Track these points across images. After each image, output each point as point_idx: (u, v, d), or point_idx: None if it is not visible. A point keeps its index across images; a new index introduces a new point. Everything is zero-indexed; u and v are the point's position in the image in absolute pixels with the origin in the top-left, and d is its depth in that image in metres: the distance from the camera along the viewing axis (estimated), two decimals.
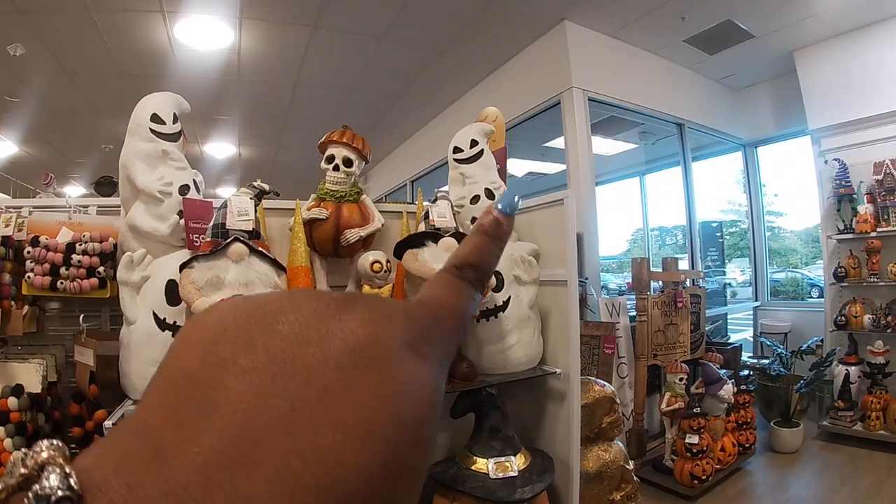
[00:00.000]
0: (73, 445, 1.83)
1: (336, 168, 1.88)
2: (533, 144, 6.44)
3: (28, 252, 1.72)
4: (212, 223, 1.67)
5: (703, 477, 3.09)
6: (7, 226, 1.76)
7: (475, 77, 5.78)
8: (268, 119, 6.69)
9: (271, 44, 4.68)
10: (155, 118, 1.81)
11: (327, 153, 1.91)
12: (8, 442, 1.64)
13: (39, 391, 1.71)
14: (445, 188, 2.14)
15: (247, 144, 7.78)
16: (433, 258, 1.74)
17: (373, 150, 1.99)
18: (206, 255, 1.58)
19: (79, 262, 1.72)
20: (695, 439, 3.13)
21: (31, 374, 1.72)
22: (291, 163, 8.22)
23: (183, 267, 1.57)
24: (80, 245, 1.73)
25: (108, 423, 1.52)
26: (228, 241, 1.59)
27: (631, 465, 2.49)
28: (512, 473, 1.88)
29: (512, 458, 1.91)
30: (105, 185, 2.03)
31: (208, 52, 4.75)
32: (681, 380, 3.42)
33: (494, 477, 1.86)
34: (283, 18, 4.30)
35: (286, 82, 5.41)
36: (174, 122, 1.84)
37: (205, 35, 4.56)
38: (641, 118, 5.45)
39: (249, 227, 1.67)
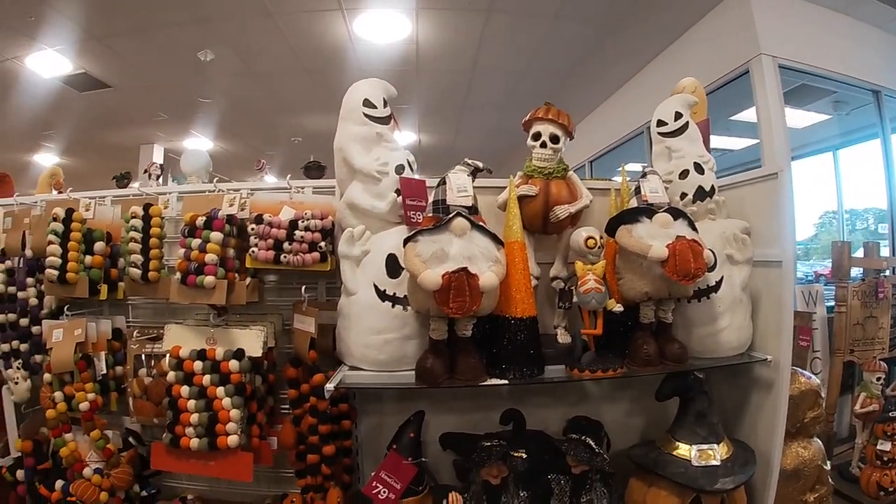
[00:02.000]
0: (286, 406, 1.97)
1: (543, 145, 1.87)
2: (717, 118, 5.85)
3: (252, 229, 1.85)
4: (432, 199, 1.73)
5: (892, 489, 2.85)
6: (231, 205, 1.91)
7: (652, 51, 5.41)
8: (446, 106, 6.74)
9: (448, 32, 4.77)
10: (367, 103, 1.89)
11: (533, 130, 1.91)
12: (227, 401, 1.76)
13: (259, 355, 1.84)
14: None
15: (426, 131, 7.85)
16: (648, 234, 1.70)
17: None
18: (429, 229, 1.62)
19: (301, 237, 1.82)
20: (887, 446, 2.87)
21: (252, 340, 1.84)
22: (471, 147, 8.06)
23: (407, 241, 1.63)
24: (303, 222, 1.84)
25: (329, 386, 1.60)
26: (451, 216, 1.62)
27: (828, 466, 2.34)
28: (714, 462, 1.80)
29: (715, 446, 1.83)
30: (314, 170, 2.17)
31: (387, 45, 4.93)
32: (878, 379, 3.16)
33: (697, 464, 1.79)
34: (458, 5, 4.38)
35: (463, 68, 5.49)
36: (384, 107, 1.92)
37: (383, 28, 4.73)
38: (834, 85, 4.80)
39: (469, 202, 1.69)
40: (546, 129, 1.89)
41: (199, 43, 4.74)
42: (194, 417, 1.77)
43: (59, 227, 1.94)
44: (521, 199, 1.84)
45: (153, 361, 2.02)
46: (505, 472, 1.83)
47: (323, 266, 1.85)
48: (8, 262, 2.10)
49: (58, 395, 1.92)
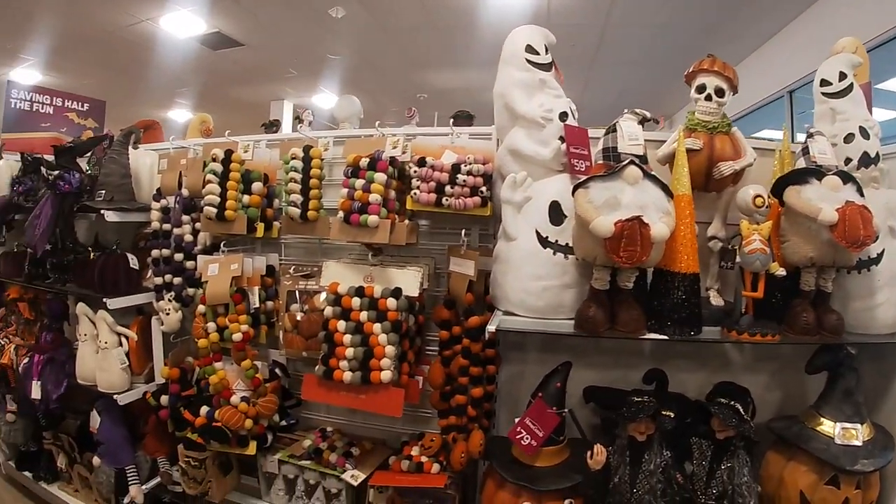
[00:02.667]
0: (431, 347, 2.03)
1: (708, 98, 1.82)
2: None
3: (414, 171, 1.89)
4: (601, 147, 1.73)
5: None
6: (394, 147, 1.96)
7: (798, 6, 4.91)
8: (574, 62, 6.32)
9: None
10: (529, 49, 1.90)
11: (697, 82, 1.86)
12: (383, 337, 1.81)
13: (416, 295, 1.88)
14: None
15: None
16: (818, 196, 1.66)
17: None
18: (601, 176, 1.61)
19: (463, 181, 1.86)
20: None
21: (409, 280, 1.88)
22: (599, 106, 7.62)
23: (578, 187, 1.64)
24: (465, 166, 1.86)
25: (490, 328, 1.63)
26: (624, 163, 1.62)
27: None
28: (856, 442, 1.74)
29: (859, 426, 1.77)
30: (462, 118, 2.21)
31: (517, 1, 4.87)
32: None
33: (839, 442, 1.74)
34: None
35: (595, 23, 5.27)
36: (546, 53, 1.95)
37: None
38: None
39: (640, 151, 1.65)
40: (711, 82, 1.85)
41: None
42: (349, 352, 1.83)
43: (218, 167, 2.01)
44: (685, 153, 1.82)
45: (305, 297, 2.10)
46: (652, 429, 1.83)
47: (482, 211, 1.87)
48: (163, 201, 2.20)
49: (211, 325, 2.01)
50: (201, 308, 2.02)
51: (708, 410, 1.85)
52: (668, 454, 1.86)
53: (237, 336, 1.99)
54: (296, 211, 1.95)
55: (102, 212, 2.10)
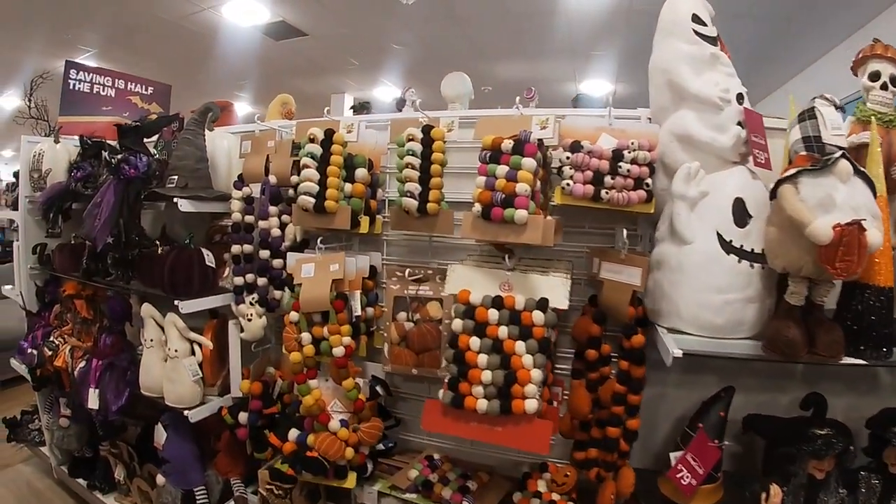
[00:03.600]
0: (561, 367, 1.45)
1: (884, 86, 1.31)
2: None
3: (567, 157, 1.32)
4: (801, 135, 1.18)
5: None
6: (544, 128, 1.36)
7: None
8: (650, 51, 5.43)
9: None
10: (695, 18, 1.35)
11: (870, 69, 1.34)
12: (528, 359, 1.24)
13: (564, 307, 1.30)
14: None
15: (625, 81, 6.23)
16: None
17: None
18: (811, 170, 1.10)
19: (627, 171, 1.29)
20: None
21: (555, 288, 1.31)
22: None
23: (783, 182, 1.10)
24: (629, 153, 1.29)
25: (676, 352, 1.11)
26: (835, 156, 1.09)
27: None
28: None
29: None
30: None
31: None
32: None
33: None
34: None
35: None
36: (711, 25, 1.38)
37: None
38: None
39: (844, 143, 1.17)
40: (885, 69, 1.33)
41: None
42: (486, 375, 1.27)
43: (316, 149, 1.43)
44: (859, 149, 1.28)
45: (416, 305, 1.49)
46: (832, 465, 1.30)
47: (646, 208, 1.33)
48: (246, 189, 1.60)
49: (305, 336, 1.43)
50: (293, 316, 1.43)
51: (882, 440, 1.33)
52: (844, 492, 1.34)
53: (339, 351, 1.41)
54: (413, 203, 1.37)
55: (175, 200, 1.51)
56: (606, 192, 1.29)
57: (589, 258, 1.45)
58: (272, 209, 1.57)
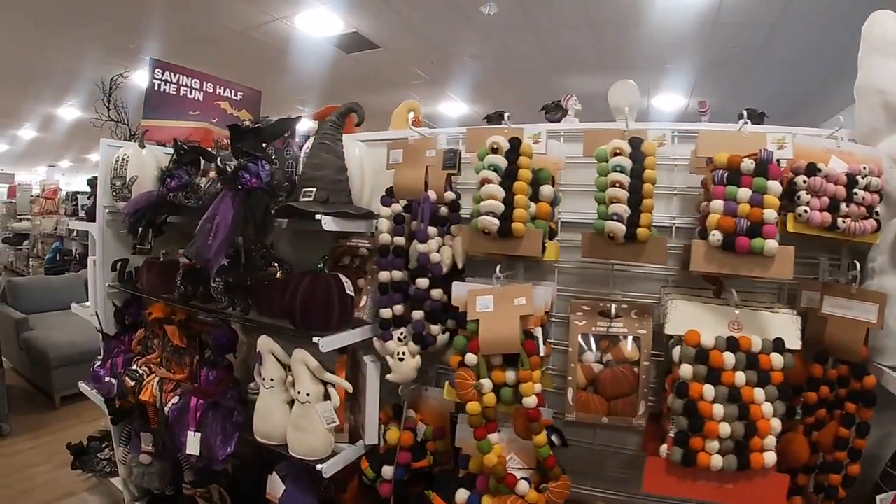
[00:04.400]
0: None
1: None
2: None
3: (803, 181, 1.14)
4: None
5: None
6: (781, 147, 1.17)
7: None
8: (729, 64, 4.80)
9: None
10: None
11: None
12: (767, 407, 1.04)
13: (798, 348, 1.09)
14: None
15: (700, 95, 5.71)
16: None
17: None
18: None
19: (862, 198, 1.12)
20: None
21: (786, 327, 1.08)
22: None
23: None
24: (862, 178, 1.12)
25: None
26: None
27: None
28: None
29: None
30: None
31: None
32: None
33: None
34: None
35: (765, 22, 3.91)
36: None
37: None
38: None
39: None
40: None
41: None
42: (724, 428, 1.04)
43: (500, 161, 1.20)
44: None
45: (606, 343, 1.28)
46: None
47: (873, 238, 1.13)
48: (395, 206, 1.35)
49: (486, 383, 1.17)
50: (471, 358, 1.18)
51: None
52: None
53: (531, 401, 1.15)
54: (620, 228, 1.14)
55: (319, 218, 1.24)
56: (843, 221, 1.10)
57: (799, 291, 1.28)
58: (431, 230, 1.29)
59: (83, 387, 1.96)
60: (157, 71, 1.91)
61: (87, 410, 3.18)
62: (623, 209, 1.15)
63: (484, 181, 1.20)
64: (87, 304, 2.01)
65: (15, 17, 3.96)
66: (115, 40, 4.32)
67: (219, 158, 1.43)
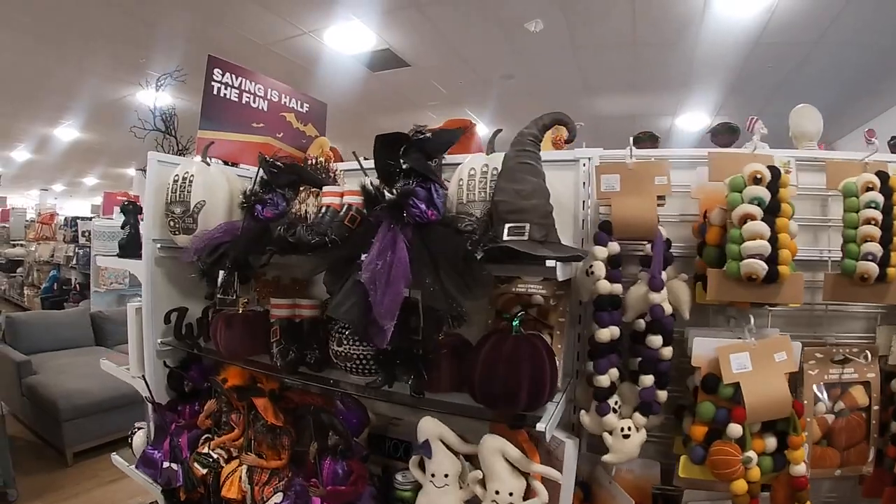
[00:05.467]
0: None
1: None
2: None
3: None
4: None
5: None
6: None
7: None
8: (762, 81, 4.53)
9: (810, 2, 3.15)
10: None
11: None
12: None
13: None
14: None
15: (724, 115, 5.38)
16: None
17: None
18: None
19: None
20: None
21: None
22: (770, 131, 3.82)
23: None
24: None
25: None
26: None
27: None
28: None
29: None
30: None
31: (742, 18, 3.39)
32: None
33: None
34: None
35: (807, 41, 3.76)
36: None
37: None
38: None
39: None
40: None
41: (532, 11, 3.26)
42: None
43: (763, 193, 0.92)
44: None
45: (837, 391, 1.05)
46: None
47: None
48: (612, 245, 1.02)
49: (752, 456, 0.90)
50: (735, 430, 0.91)
51: None
52: None
53: (800, 469, 0.91)
54: (874, 269, 0.93)
55: (551, 264, 0.93)
56: None
57: None
58: (666, 273, 1.00)
59: (132, 470, 1.39)
60: (216, 71, 1.48)
61: (104, 468, 2.62)
62: (877, 248, 0.93)
63: (746, 217, 0.95)
64: (126, 364, 1.49)
65: (13, 26, 3.26)
66: (124, 52, 3.66)
67: (368, 181, 1.08)
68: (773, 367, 0.93)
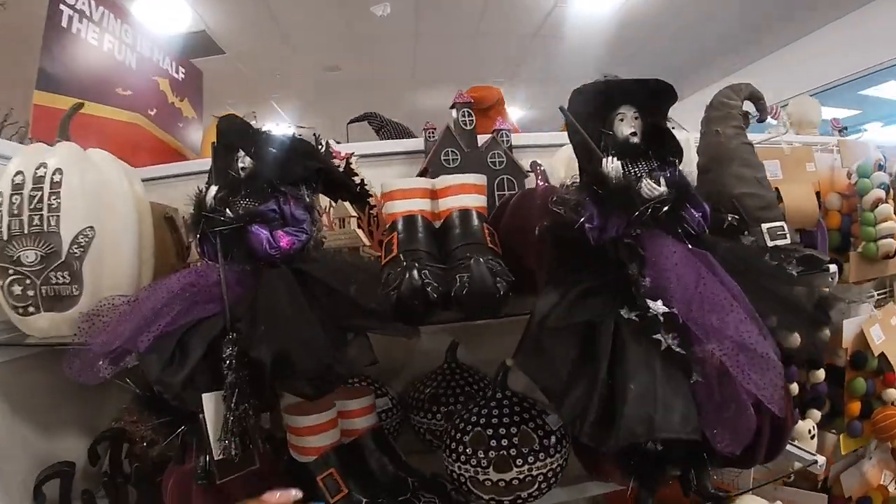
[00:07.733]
0: None
1: None
2: None
3: None
4: None
5: None
6: None
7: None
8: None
9: None
10: None
11: None
12: None
13: None
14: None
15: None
16: None
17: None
18: None
19: None
20: None
21: None
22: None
23: None
24: None
25: None
26: None
27: None
28: None
29: None
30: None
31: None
32: None
33: None
34: None
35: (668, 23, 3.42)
36: None
37: None
38: None
39: None
40: None
41: None
42: None
43: (887, 179, 0.97)
44: None
45: None
46: None
47: None
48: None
49: None
50: (891, 394, 0.93)
51: None
52: None
53: None
54: None
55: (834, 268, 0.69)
56: None
57: None
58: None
59: None
60: None
61: None
62: None
63: (878, 201, 0.96)
64: None
65: None
66: None
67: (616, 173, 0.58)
68: None
